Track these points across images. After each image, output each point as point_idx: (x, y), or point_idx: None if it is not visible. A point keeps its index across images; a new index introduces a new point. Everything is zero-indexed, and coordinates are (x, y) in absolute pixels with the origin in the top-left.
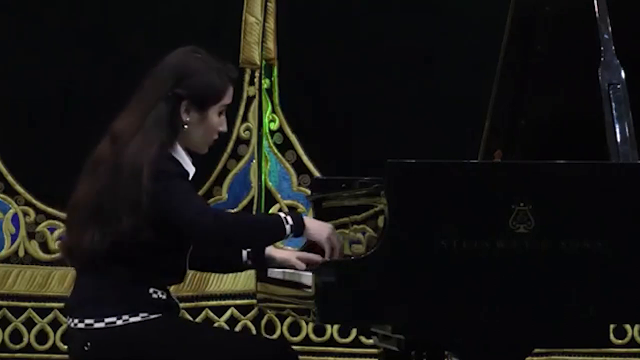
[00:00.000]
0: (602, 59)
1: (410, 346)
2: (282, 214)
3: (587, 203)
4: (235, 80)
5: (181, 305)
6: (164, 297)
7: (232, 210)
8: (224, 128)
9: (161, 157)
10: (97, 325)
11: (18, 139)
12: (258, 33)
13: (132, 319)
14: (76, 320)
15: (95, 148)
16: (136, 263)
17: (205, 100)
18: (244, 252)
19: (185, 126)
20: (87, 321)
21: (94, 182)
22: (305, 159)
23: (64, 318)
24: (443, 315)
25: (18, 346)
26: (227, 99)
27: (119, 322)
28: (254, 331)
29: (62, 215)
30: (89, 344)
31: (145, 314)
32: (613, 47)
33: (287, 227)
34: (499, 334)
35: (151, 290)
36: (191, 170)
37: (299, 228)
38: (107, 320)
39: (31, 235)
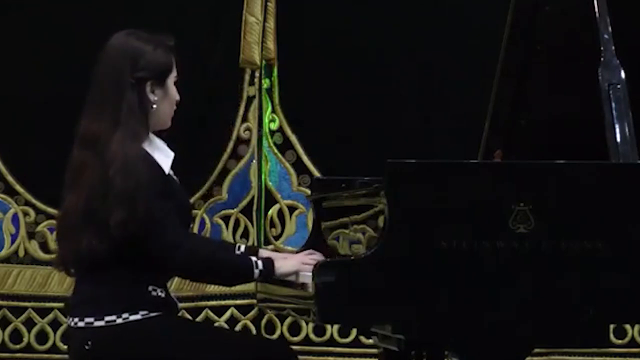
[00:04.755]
0: (602, 59)
1: (410, 346)
2: (254, 259)
3: (587, 203)
4: (174, 48)
5: (181, 305)
6: (163, 294)
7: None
8: (178, 97)
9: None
10: (97, 323)
11: (18, 139)
12: (258, 33)
13: (132, 317)
14: (76, 319)
15: (71, 158)
16: (134, 262)
17: (163, 73)
18: (256, 271)
19: (154, 106)
20: (87, 320)
21: (82, 189)
22: (305, 159)
23: (64, 318)
24: (443, 315)
25: (18, 346)
26: (175, 68)
27: (119, 321)
28: (254, 331)
29: None
30: (89, 342)
31: (145, 312)
32: (613, 47)
33: (256, 271)
34: (499, 334)
35: (150, 287)
36: (169, 158)
37: (269, 273)
38: (107, 318)
39: (31, 235)
